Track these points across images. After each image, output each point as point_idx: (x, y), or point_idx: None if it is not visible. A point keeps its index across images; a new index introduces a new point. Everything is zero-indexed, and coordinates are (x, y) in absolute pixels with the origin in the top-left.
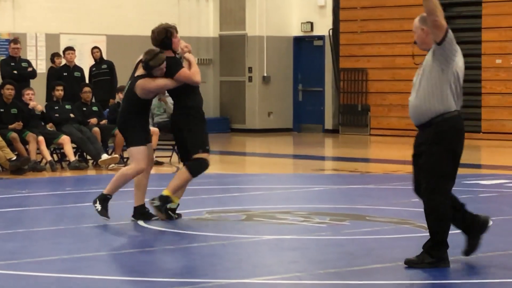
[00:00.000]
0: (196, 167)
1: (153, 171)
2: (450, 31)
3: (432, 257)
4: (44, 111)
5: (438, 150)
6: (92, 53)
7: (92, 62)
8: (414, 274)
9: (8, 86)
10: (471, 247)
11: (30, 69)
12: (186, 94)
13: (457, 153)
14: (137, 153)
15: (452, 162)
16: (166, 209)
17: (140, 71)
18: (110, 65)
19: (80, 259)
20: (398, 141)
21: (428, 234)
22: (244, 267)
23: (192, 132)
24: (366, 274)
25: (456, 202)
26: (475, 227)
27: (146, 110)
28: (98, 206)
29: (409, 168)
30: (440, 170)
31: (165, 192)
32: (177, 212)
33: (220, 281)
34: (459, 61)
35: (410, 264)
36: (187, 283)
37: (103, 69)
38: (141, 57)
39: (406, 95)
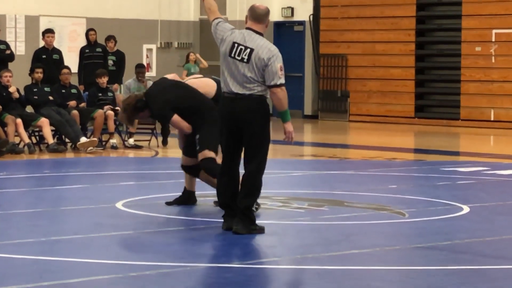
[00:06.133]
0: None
1: (132, 154)
2: (213, 23)
3: None
4: (22, 97)
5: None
6: (89, 35)
7: (83, 43)
8: (391, 260)
9: None
10: None
11: (8, 51)
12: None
13: None
14: None
15: None
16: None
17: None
18: (104, 49)
19: (57, 242)
20: (377, 128)
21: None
22: (222, 251)
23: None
24: (344, 259)
25: None
26: None
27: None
28: None
29: (388, 155)
30: None
31: None
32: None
33: (197, 265)
34: (221, 48)
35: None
36: (165, 267)
37: (97, 52)
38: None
39: (386, 81)
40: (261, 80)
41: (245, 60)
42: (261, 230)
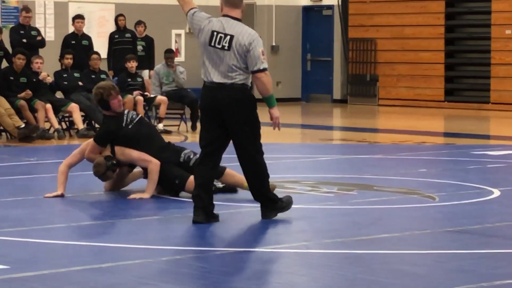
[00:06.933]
0: None
1: None
2: (189, 14)
3: None
4: (53, 83)
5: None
6: (118, 20)
7: (112, 29)
8: (421, 244)
9: (20, 55)
10: None
11: (39, 38)
12: None
13: None
14: None
15: None
16: None
17: None
18: (134, 35)
19: (87, 227)
20: (406, 111)
21: None
22: (251, 236)
23: None
24: (373, 243)
25: None
26: None
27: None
28: None
29: (418, 138)
30: None
31: None
32: None
33: (227, 249)
34: (200, 38)
35: None
36: (193, 251)
37: (127, 38)
38: None
39: (415, 65)
40: (244, 67)
41: (226, 48)
42: (288, 203)
